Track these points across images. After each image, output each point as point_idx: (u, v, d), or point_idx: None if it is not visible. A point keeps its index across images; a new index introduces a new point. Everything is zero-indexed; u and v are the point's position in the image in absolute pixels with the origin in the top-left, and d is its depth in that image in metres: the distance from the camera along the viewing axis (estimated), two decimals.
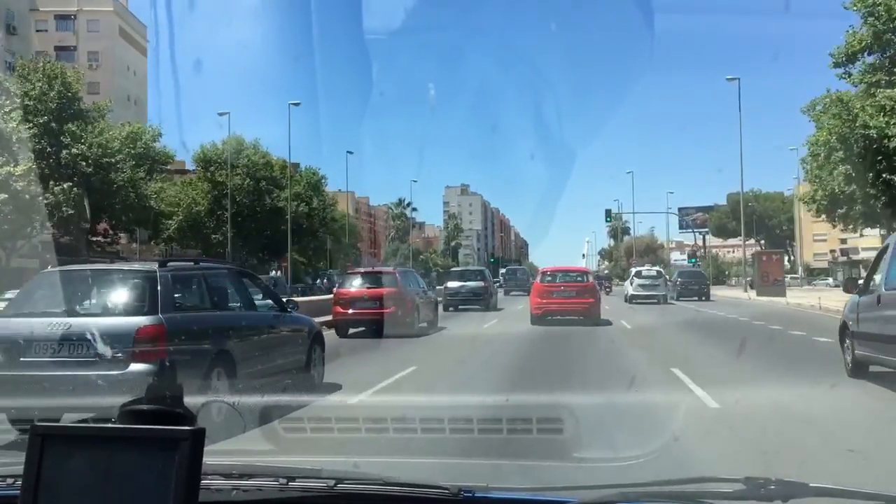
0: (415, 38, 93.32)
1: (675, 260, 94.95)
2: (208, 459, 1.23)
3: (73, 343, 6.00)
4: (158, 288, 6.35)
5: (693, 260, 75.04)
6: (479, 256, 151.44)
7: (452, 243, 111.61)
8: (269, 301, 8.41)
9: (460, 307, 23.88)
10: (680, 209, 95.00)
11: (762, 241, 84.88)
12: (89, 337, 6.05)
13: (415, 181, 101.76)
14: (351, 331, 15.44)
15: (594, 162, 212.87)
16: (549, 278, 19.11)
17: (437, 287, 30.18)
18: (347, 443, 4.57)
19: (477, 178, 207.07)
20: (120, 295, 6.56)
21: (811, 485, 1.63)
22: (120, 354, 6.01)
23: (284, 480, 1.68)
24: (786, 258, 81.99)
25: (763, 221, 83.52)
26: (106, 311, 6.37)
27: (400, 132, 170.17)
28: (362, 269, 19.57)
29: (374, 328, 14.33)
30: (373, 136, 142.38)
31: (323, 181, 55.36)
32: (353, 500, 1.65)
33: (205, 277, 7.42)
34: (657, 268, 38.79)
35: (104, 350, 6.00)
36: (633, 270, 35.65)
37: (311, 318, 9.28)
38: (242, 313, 7.75)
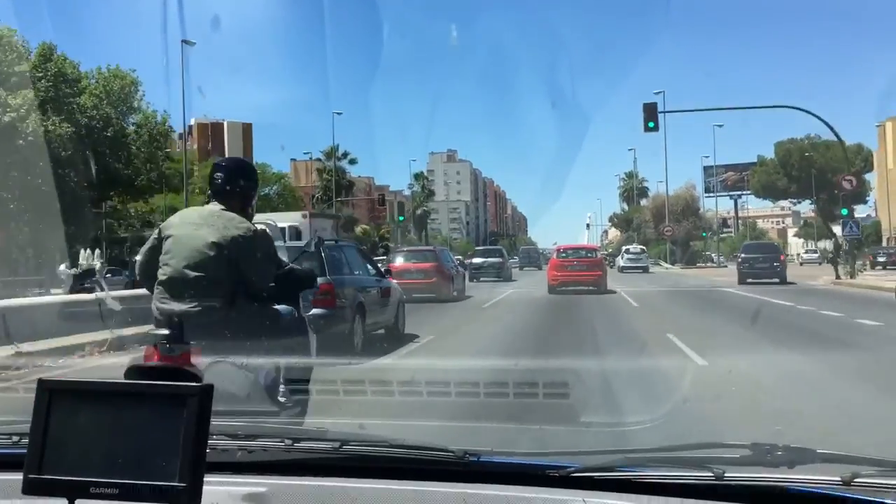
0: None
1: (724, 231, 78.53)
2: (214, 420, 1.30)
3: None
4: (324, 258, 9.66)
5: (705, 233, 67.58)
6: (469, 231, 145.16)
7: (419, 211, 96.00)
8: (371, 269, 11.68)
9: (482, 279, 30.46)
10: (706, 168, 79.44)
11: (819, 202, 69.82)
12: None
13: (393, 143, 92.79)
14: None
15: (603, 129, 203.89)
16: (564, 255, 24.18)
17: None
18: (353, 405, 4.73)
19: (474, 150, 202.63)
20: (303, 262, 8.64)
21: (818, 451, 1.69)
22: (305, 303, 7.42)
23: (290, 441, 1.76)
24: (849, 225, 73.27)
25: (824, 176, 65.78)
26: None
27: (396, 95, 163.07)
28: (408, 248, 28.06)
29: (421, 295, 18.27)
30: (358, 98, 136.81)
31: (138, 87, 38.92)
32: (359, 462, 1.73)
33: (343, 251, 11.12)
34: (642, 246, 54.75)
35: None
36: (623, 248, 52.86)
37: (397, 284, 12.61)
38: (366, 277, 11.20)
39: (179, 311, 3.88)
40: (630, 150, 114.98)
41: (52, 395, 1.23)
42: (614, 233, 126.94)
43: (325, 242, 10.36)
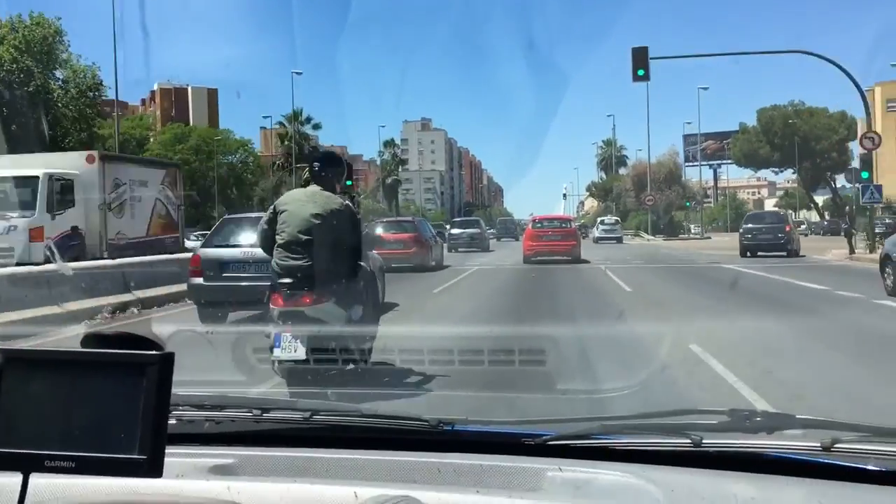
0: None
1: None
2: (179, 390, 1.26)
3: (259, 264, 9.04)
4: None
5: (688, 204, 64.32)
6: (443, 201, 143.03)
7: (389, 179, 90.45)
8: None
9: (460, 249, 31.08)
10: (686, 137, 76.28)
11: (800, 172, 66.95)
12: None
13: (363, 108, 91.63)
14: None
15: (581, 96, 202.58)
16: (539, 225, 24.40)
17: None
18: (324, 374, 4.58)
19: (449, 119, 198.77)
20: None
21: (797, 416, 1.72)
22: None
23: (259, 412, 1.73)
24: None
25: (808, 145, 63.49)
26: None
27: (366, 62, 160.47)
28: (388, 219, 28.13)
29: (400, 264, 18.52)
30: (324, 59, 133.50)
31: (62, 37, 36.00)
32: (330, 432, 1.71)
33: None
34: (616, 217, 56.65)
35: None
36: (599, 220, 54.55)
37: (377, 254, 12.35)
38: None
39: (296, 265, 5.28)
40: (609, 116, 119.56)
41: (3, 364, 1.17)
42: (591, 203, 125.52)
43: None
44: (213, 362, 4.33)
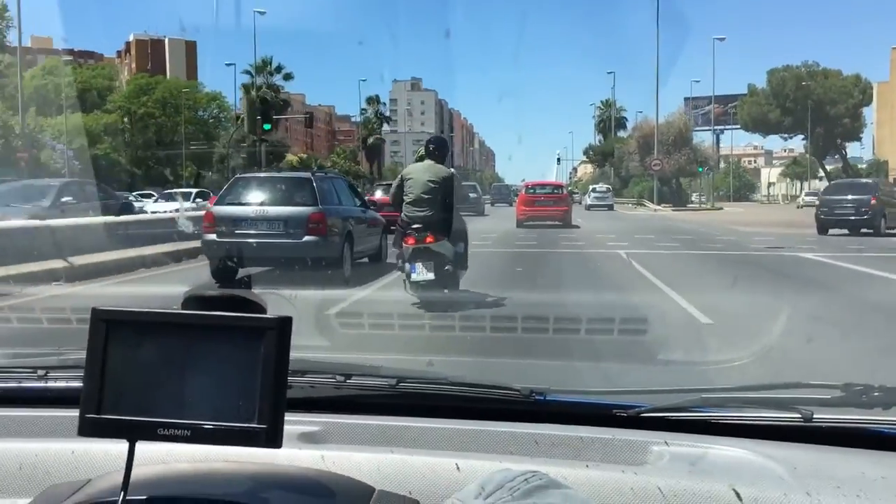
0: None
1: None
2: None
3: (271, 221, 10.66)
4: (315, 189, 11.07)
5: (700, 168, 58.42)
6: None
7: (371, 139, 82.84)
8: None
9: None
10: (687, 100, 71.61)
11: (812, 138, 62.61)
12: (281, 218, 10.74)
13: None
14: None
15: (578, 54, 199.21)
16: (532, 191, 25.54)
17: None
18: (409, 340, 4.46)
19: (439, 79, 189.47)
20: (296, 193, 11.20)
21: None
22: (300, 230, 10.55)
23: (342, 378, 1.67)
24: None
25: (822, 109, 59.10)
26: (289, 203, 11.01)
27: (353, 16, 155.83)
28: (386, 182, 26.96)
29: None
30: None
31: None
32: (418, 400, 1.66)
33: (332, 182, 12.37)
34: (607, 185, 57.87)
35: (290, 227, 10.61)
36: (591, 187, 56.16)
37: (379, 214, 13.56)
38: (353, 208, 12.33)
39: (420, 216, 7.80)
40: (609, 73, 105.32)
41: (108, 326, 1.11)
42: (585, 169, 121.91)
43: (316, 174, 12.23)
44: (296, 326, 4.16)
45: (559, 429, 1.52)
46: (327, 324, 4.70)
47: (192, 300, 1.18)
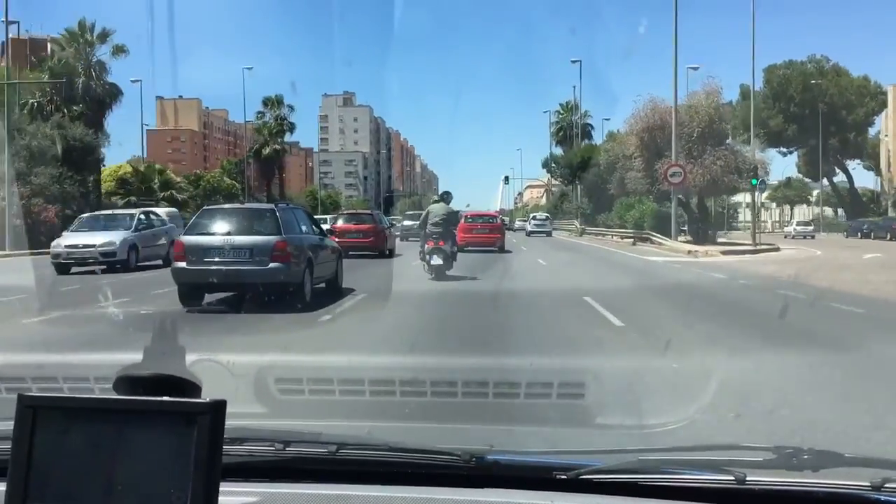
0: None
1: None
2: None
3: (237, 250, 11.69)
4: (279, 219, 12.23)
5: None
6: (367, 187, 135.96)
7: (266, 149, 67.88)
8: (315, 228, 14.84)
9: (410, 239, 32.34)
10: (611, 133, 59.74)
11: (823, 151, 51.23)
12: (247, 247, 11.71)
13: None
14: None
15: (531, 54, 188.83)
16: (471, 220, 30.61)
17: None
18: (351, 406, 4.49)
19: (376, 100, 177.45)
20: (260, 223, 12.31)
21: (845, 455, 1.76)
22: (265, 257, 11.54)
23: (281, 445, 1.71)
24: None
25: (837, 114, 48.33)
26: (254, 232, 12.06)
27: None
28: (349, 211, 37.71)
29: (359, 252, 24.49)
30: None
31: None
32: (358, 467, 1.70)
33: (294, 212, 13.62)
34: (546, 214, 59.76)
35: (256, 255, 11.59)
36: (531, 215, 61.05)
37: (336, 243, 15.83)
38: (312, 236, 13.56)
39: (437, 232, 16.27)
40: (574, 62, 69.17)
41: (35, 412, 1.11)
42: (532, 194, 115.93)
43: (278, 205, 13.62)
44: (232, 392, 4.15)
45: (500, 494, 1.57)
46: (266, 389, 4.70)
47: (123, 381, 1.17)
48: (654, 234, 35.35)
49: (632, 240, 37.49)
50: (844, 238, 43.03)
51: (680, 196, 34.25)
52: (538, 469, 1.69)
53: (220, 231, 12.07)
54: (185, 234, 12.90)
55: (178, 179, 58.53)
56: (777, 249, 32.01)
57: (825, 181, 57.41)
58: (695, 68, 42.11)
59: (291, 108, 69.98)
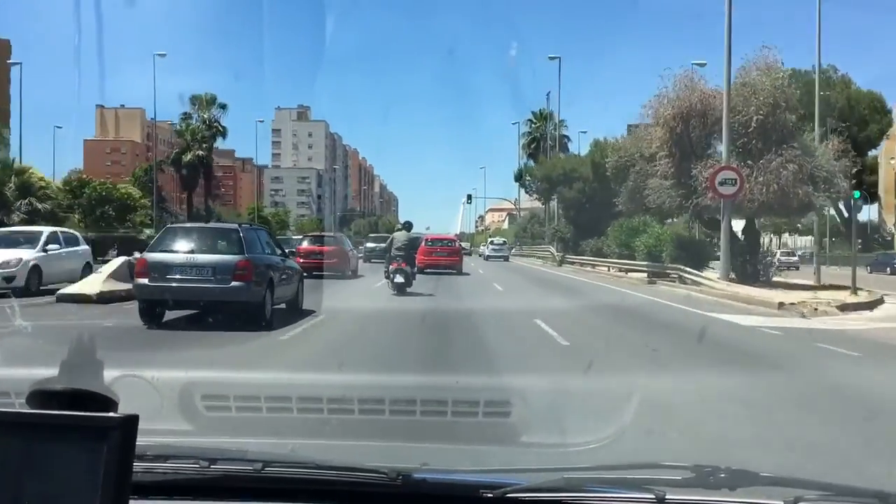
0: None
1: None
2: None
3: (200, 268, 11.93)
4: (242, 238, 12.56)
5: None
6: (321, 206, 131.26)
7: (187, 156, 60.97)
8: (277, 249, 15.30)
9: (373, 260, 34.80)
10: (630, 127, 42.48)
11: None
12: (209, 265, 11.94)
13: None
14: None
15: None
16: (430, 244, 32.35)
17: None
18: (278, 423, 4.49)
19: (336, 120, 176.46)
20: (223, 242, 12.69)
21: (761, 473, 1.82)
22: (227, 276, 11.71)
23: (206, 462, 1.72)
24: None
25: (848, 130, 38.51)
26: (216, 251, 12.41)
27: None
28: (314, 233, 36.15)
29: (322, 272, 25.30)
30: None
31: None
32: (284, 485, 1.72)
33: (256, 232, 14.01)
34: (503, 239, 63.53)
35: (218, 273, 11.77)
36: (489, 240, 64.90)
37: (297, 264, 16.39)
38: (274, 256, 13.87)
39: (400, 255, 19.32)
40: (553, 58, 58.34)
41: None
42: (494, 217, 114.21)
43: (242, 225, 13.95)
44: (157, 409, 4.11)
45: None
46: (192, 406, 4.66)
47: (36, 396, 1.14)
48: (687, 269, 24.94)
49: (645, 275, 27.88)
50: (868, 273, 35.92)
51: (717, 216, 24.11)
52: (465, 487, 1.71)
53: (184, 249, 12.41)
54: (148, 251, 13.24)
55: (43, 184, 43.23)
56: (874, 300, 19.98)
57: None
58: (700, 64, 27.82)
59: (224, 107, 62.83)
